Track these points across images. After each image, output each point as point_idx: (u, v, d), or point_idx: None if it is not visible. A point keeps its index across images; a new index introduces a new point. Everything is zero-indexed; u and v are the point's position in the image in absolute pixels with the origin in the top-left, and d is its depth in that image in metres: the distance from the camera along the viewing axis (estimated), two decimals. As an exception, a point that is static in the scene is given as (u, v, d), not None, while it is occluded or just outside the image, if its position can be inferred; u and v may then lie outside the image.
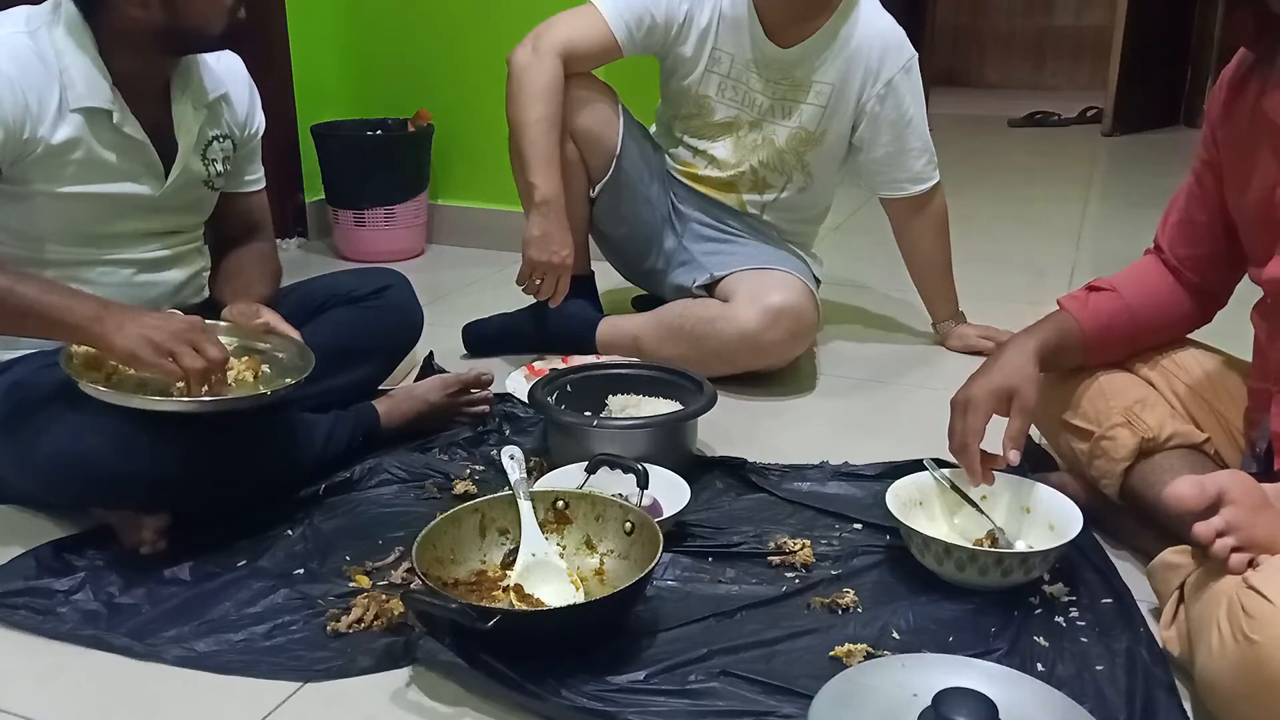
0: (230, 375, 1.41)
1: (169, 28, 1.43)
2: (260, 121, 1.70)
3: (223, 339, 1.43)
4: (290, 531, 1.47)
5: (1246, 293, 1.44)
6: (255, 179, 1.74)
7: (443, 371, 1.93)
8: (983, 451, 1.36)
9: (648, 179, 2.11)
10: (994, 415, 1.36)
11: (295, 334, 1.54)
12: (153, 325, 1.33)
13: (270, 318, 1.54)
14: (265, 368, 1.49)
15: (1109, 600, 1.31)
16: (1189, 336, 1.50)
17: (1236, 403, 1.39)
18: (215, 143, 1.60)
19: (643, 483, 1.43)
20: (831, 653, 1.20)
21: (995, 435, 1.37)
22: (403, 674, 1.20)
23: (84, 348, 1.39)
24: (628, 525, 1.33)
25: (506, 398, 1.88)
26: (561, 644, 1.18)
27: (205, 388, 1.34)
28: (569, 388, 1.72)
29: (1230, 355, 1.47)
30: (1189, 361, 1.45)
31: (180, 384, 1.34)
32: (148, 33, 1.44)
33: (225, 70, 1.61)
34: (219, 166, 1.61)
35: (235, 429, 1.43)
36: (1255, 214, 1.28)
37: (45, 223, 1.46)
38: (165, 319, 1.36)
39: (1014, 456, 1.34)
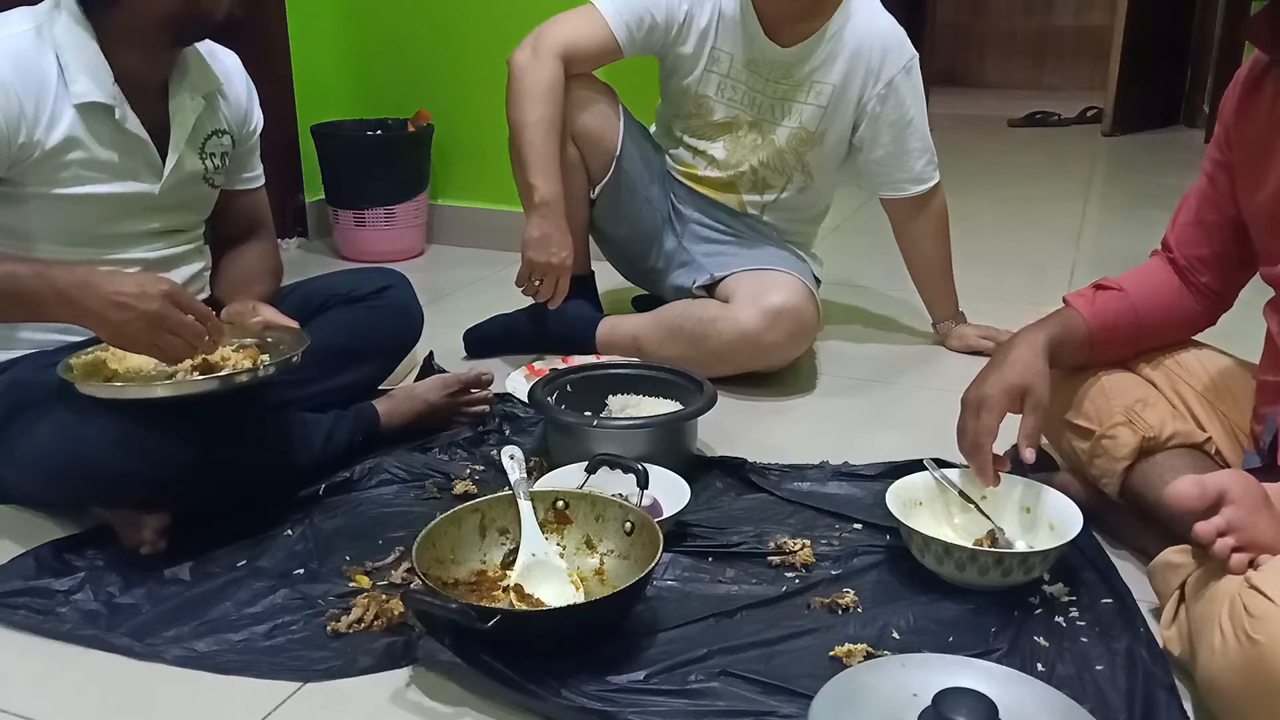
0: (228, 366, 1.41)
1: (182, 9, 1.43)
2: (258, 119, 1.70)
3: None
4: (290, 531, 1.47)
5: (1249, 295, 1.44)
6: (254, 176, 1.74)
7: (443, 371, 1.92)
8: None
9: (648, 179, 2.10)
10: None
11: (292, 323, 1.54)
12: (125, 317, 1.28)
13: (267, 313, 1.54)
14: (265, 357, 1.49)
15: (1109, 600, 1.30)
16: (1193, 338, 1.50)
17: (1239, 403, 1.39)
18: (214, 138, 1.60)
19: (643, 483, 1.43)
20: (831, 653, 1.20)
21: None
22: (403, 674, 1.20)
23: (83, 359, 1.40)
24: (628, 525, 1.33)
25: (506, 398, 1.88)
26: (561, 644, 1.18)
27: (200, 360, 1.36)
28: (569, 388, 1.72)
29: (1234, 356, 1.47)
30: (1192, 362, 1.45)
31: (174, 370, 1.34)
32: (158, 21, 1.43)
33: (222, 69, 1.62)
34: (217, 162, 1.61)
35: (236, 426, 1.43)
36: (1270, 211, 1.28)
37: (45, 224, 1.46)
38: (133, 300, 1.29)
39: (1029, 454, 1.34)
